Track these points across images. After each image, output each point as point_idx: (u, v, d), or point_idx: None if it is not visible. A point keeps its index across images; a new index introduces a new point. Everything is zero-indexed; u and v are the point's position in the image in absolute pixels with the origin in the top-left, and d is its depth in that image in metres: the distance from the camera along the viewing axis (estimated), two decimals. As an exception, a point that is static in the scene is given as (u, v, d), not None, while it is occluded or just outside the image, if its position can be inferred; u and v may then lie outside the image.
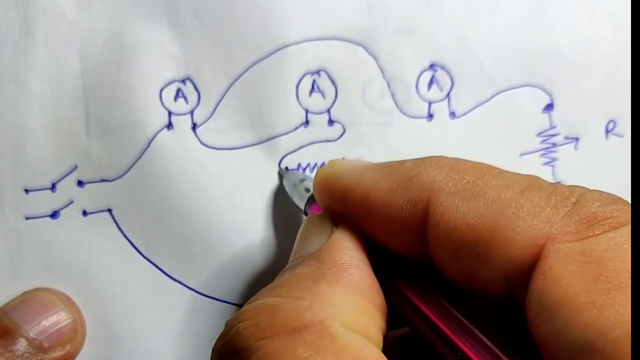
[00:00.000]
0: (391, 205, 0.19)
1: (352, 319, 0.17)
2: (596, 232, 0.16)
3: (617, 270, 0.15)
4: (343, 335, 0.16)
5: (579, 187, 0.18)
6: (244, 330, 0.17)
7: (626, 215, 0.16)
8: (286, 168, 0.28)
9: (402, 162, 0.20)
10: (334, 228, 0.20)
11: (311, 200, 0.25)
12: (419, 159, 0.19)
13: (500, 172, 0.18)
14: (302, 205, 0.25)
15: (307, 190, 0.25)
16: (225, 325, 0.18)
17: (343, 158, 0.28)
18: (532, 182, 0.18)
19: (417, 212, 0.18)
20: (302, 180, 0.26)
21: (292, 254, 0.21)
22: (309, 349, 0.16)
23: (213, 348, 0.18)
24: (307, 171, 0.28)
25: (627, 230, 0.16)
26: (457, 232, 0.18)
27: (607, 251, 0.16)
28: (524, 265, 0.17)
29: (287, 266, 0.20)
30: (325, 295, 0.17)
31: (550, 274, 0.16)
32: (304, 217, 0.24)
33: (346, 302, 0.17)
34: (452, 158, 0.19)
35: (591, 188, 0.18)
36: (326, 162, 0.28)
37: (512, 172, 0.18)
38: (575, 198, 0.17)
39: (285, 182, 0.27)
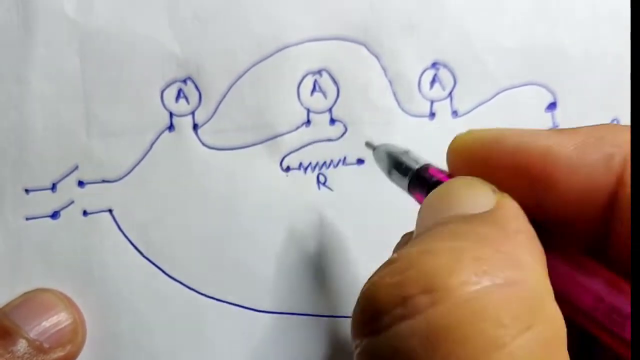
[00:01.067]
0: (580, 162, 0.17)
1: (547, 287, 0.15)
2: None
3: None
4: (550, 303, 0.15)
5: None
6: (441, 269, 0.14)
7: None
8: (371, 144, 0.26)
9: (577, 128, 0.17)
10: (499, 194, 0.17)
11: (419, 174, 0.22)
12: (596, 125, 0.17)
13: None
14: (404, 182, 0.23)
15: (409, 167, 0.22)
16: (396, 260, 0.15)
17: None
18: None
19: (611, 171, 0.16)
20: (406, 153, 0.23)
21: (432, 210, 0.18)
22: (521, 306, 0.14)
23: (369, 286, 0.15)
24: (309, 171, 0.28)
25: None
26: None
27: None
28: None
29: (448, 219, 0.17)
30: (523, 256, 0.15)
31: None
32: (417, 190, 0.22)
33: (541, 270, 0.16)
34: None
35: None
36: (328, 162, 0.28)
37: None
38: None
39: (378, 155, 0.25)
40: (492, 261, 0.15)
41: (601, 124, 0.18)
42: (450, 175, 0.20)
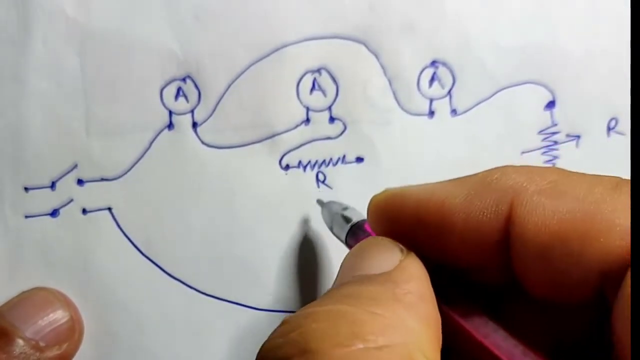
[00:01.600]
0: (471, 210, 0.18)
1: (428, 352, 0.16)
2: None
3: None
4: None
5: None
6: (317, 332, 0.16)
7: None
8: (321, 201, 0.28)
9: (473, 174, 0.19)
10: (404, 254, 0.19)
11: (354, 230, 0.24)
12: (491, 169, 0.19)
13: (583, 174, 0.18)
14: (342, 236, 0.25)
15: (348, 220, 0.25)
16: (284, 323, 0.17)
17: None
18: (621, 180, 0.17)
19: (500, 213, 0.18)
20: (345, 209, 0.25)
21: (344, 270, 0.20)
22: None
23: (263, 346, 0.17)
24: (308, 169, 0.28)
25: None
26: (546, 229, 0.17)
27: None
28: (622, 259, 0.16)
29: (349, 280, 0.19)
30: (404, 320, 0.16)
31: None
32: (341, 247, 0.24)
33: (422, 334, 0.16)
34: (525, 165, 0.19)
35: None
36: (327, 160, 0.28)
37: (594, 174, 0.18)
38: None
39: (324, 213, 0.27)
40: (368, 325, 0.16)
41: (495, 168, 0.19)
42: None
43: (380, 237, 0.20)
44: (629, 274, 0.16)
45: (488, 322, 0.18)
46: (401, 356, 0.15)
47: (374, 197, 0.21)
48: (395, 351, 0.15)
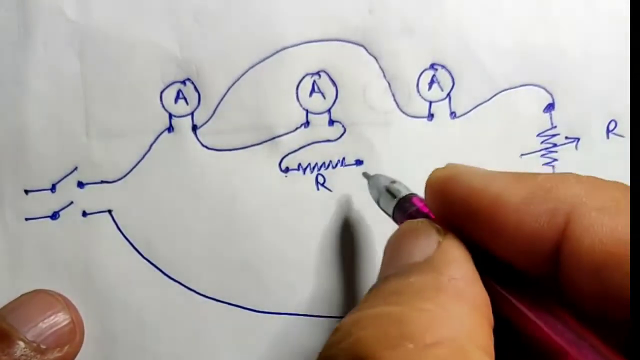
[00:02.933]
0: (526, 214, 0.18)
1: (479, 339, 0.16)
2: None
3: None
4: (476, 357, 0.15)
5: None
6: (369, 338, 0.15)
7: None
8: (367, 174, 0.27)
9: (535, 174, 0.18)
10: (442, 236, 0.19)
11: (402, 204, 0.24)
12: (553, 174, 0.18)
13: None
14: (390, 210, 0.24)
15: (395, 195, 0.24)
16: (336, 330, 0.17)
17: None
18: None
19: (555, 225, 0.17)
20: (393, 183, 0.25)
21: (386, 259, 0.20)
22: None
23: (320, 354, 0.17)
24: (308, 172, 0.28)
25: None
26: (602, 248, 0.16)
27: None
28: None
29: (392, 273, 0.18)
30: (451, 310, 0.16)
31: None
32: (394, 223, 0.24)
33: (471, 321, 0.16)
34: (589, 176, 0.18)
35: None
36: (327, 162, 0.28)
37: None
38: None
39: (371, 185, 0.26)
40: (415, 322, 0.16)
41: (557, 174, 0.19)
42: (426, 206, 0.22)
43: (417, 221, 0.20)
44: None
45: (542, 302, 0.17)
46: (452, 351, 0.15)
47: (435, 171, 0.21)
48: (446, 346, 0.15)
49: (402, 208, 0.24)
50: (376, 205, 0.26)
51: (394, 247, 0.20)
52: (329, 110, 0.28)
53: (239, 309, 0.27)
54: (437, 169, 0.21)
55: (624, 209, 0.17)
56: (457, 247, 0.18)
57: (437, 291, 0.17)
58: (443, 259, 0.18)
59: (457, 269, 0.17)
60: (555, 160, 0.30)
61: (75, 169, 0.26)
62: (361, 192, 0.28)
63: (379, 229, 0.28)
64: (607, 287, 0.17)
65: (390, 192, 0.25)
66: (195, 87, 0.27)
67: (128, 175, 0.27)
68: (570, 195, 0.17)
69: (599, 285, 0.17)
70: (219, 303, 0.27)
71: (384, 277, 0.18)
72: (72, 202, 0.26)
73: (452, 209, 0.20)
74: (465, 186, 0.19)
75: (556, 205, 0.17)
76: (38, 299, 0.26)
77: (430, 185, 0.21)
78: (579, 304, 0.17)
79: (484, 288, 0.18)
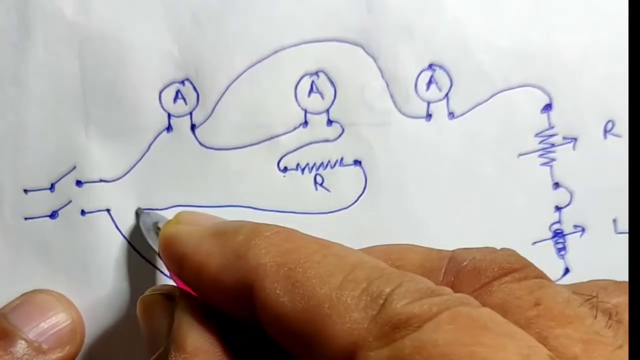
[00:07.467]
0: (221, 283, 0.19)
1: None
2: (401, 334, 0.15)
3: None
4: None
5: (398, 275, 0.17)
6: None
7: (435, 308, 0.15)
8: (142, 210, 0.27)
9: (236, 232, 0.19)
10: (174, 306, 0.21)
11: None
12: (252, 230, 0.19)
13: (324, 257, 0.18)
14: (157, 249, 0.24)
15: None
16: None
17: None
18: (349, 275, 0.17)
19: (245, 294, 0.18)
20: (156, 223, 0.25)
21: (146, 338, 0.22)
22: None
23: None
24: (306, 172, 0.28)
25: (431, 326, 0.15)
26: (283, 319, 0.17)
27: (411, 354, 0.15)
28: (352, 338, 0.16)
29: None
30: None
31: None
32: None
33: None
34: (286, 230, 0.19)
35: (465, 248, 0.19)
36: (325, 163, 0.28)
37: (339, 254, 0.18)
38: (384, 298, 0.16)
39: (140, 224, 0.27)
40: None
41: (258, 230, 0.20)
42: None
43: (149, 295, 0.23)
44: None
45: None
46: None
47: (163, 228, 0.22)
48: None
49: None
50: (376, 206, 0.26)
51: (141, 322, 0.22)
52: (327, 110, 0.28)
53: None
54: (166, 224, 0.22)
55: (298, 282, 0.17)
56: (188, 318, 0.20)
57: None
58: (180, 334, 0.19)
59: (195, 340, 0.19)
60: (553, 160, 0.30)
61: (74, 168, 0.27)
62: (359, 192, 0.28)
63: (378, 228, 0.28)
64: (296, 352, 0.17)
65: (157, 231, 0.25)
66: (194, 87, 0.27)
67: (127, 175, 0.27)
68: (254, 264, 0.18)
69: (290, 346, 0.17)
70: (218, 302, 0.27)
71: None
72: (70, 201, 0.27)
73: (176, 268, 0.21)
74: (180, 251, 0.21)
75: (243, 276, 0.18)
76: (39, 299, 0.26)
77: (160, 243, 0.22)
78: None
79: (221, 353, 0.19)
